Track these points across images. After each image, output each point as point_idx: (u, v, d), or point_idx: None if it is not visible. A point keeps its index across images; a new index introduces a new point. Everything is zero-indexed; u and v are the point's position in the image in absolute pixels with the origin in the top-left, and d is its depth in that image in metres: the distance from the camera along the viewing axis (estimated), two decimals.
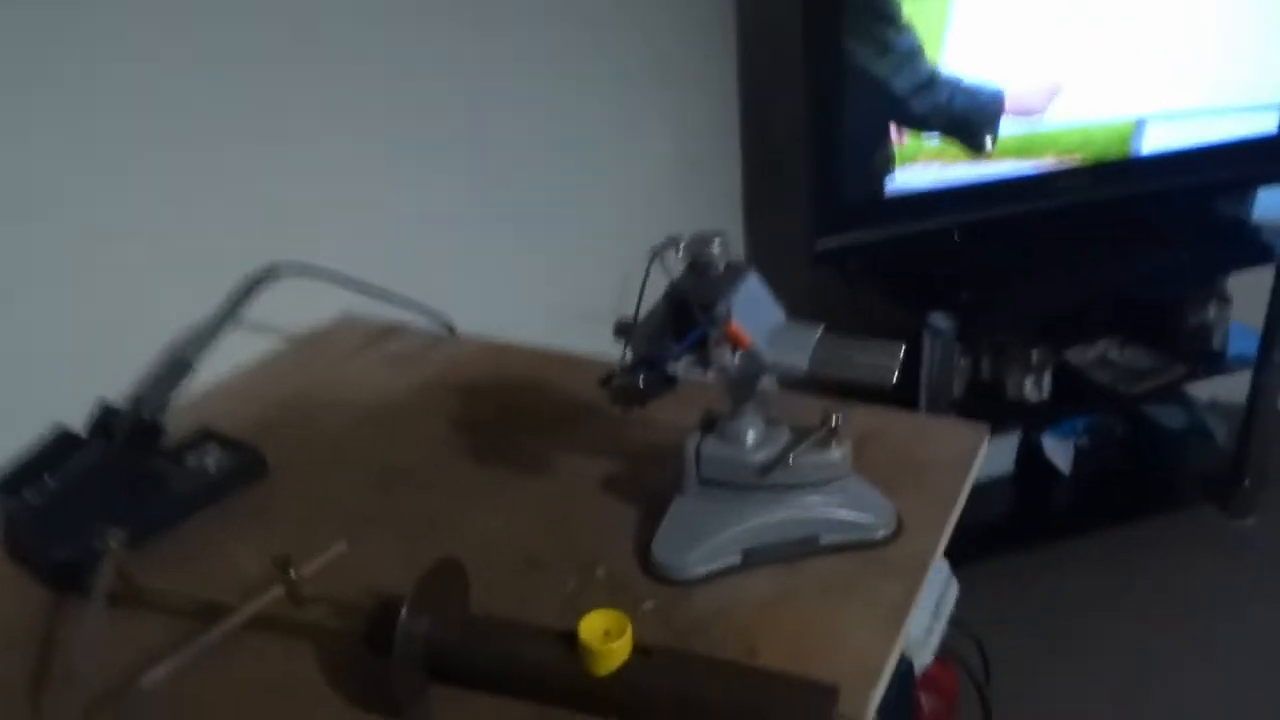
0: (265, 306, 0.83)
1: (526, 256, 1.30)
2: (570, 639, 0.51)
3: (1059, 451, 1.95)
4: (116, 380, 0.76)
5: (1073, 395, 1.81)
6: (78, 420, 0.70)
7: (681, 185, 1.64)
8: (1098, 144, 1.61)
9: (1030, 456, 1.96)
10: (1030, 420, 1.90)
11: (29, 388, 0.74)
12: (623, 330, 0.62)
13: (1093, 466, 1.97)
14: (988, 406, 1.75)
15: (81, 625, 0.57)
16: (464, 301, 1.00)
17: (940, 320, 1.58)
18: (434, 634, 0.53)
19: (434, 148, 1.14)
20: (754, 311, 0.61)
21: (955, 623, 1.63)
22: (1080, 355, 1.88)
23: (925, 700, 1.49)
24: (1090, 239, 1.72)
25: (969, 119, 1.51)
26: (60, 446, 0.68)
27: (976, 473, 0.72)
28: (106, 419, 0.69)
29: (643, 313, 0.62)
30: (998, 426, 1.75)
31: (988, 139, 1.53)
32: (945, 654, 1.57)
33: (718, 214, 1.78)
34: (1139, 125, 1.62)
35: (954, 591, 1.63)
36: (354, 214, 1.04)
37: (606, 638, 0.51)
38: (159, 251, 0.85)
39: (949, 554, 1.70)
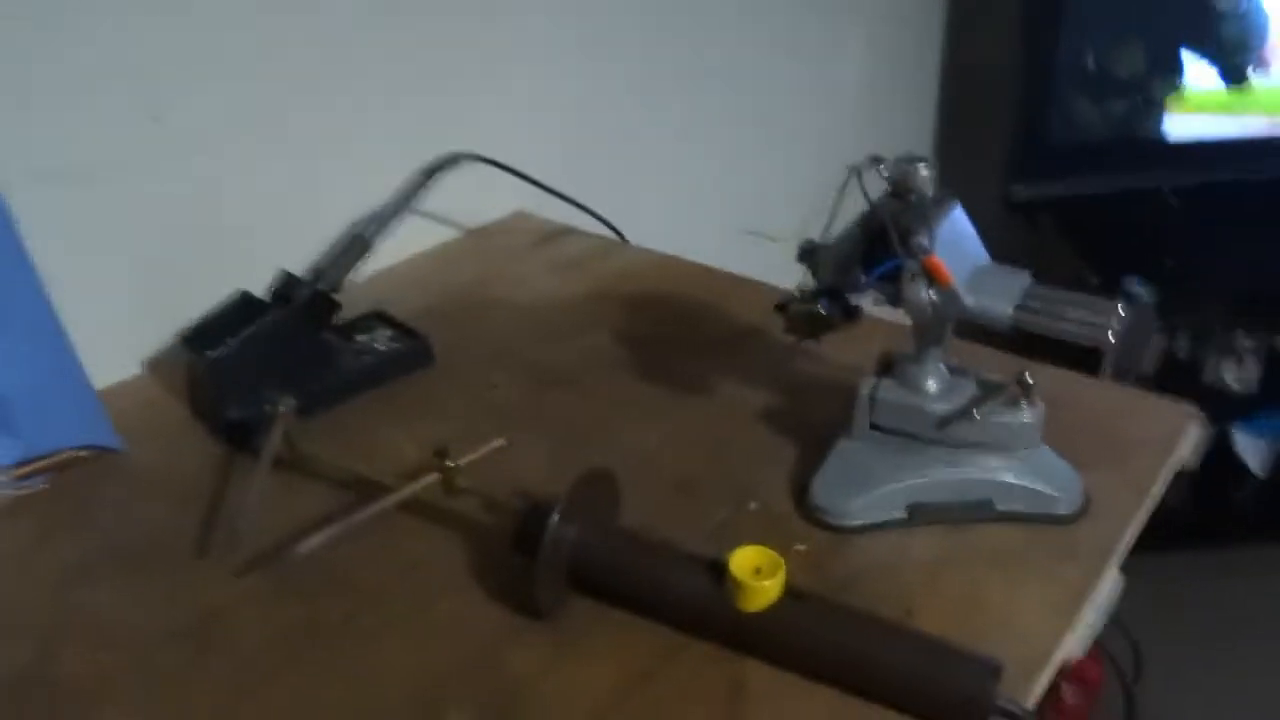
0: (443, 198, 0.83)
1: (705, 172, 1.26)
2: (719, 570, 0.49)
3: (1253, 448, 1.78)
4: (300, 256, 0.77)
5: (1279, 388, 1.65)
6: (261, 290, 0.72)
7: (868, 114, 1.55)
8: None
9: (1220, 450, 1.80)
10: (1226, 410, 1.74)
11: (220, 255, 0.77)
12: (808, 254, 0.58)
13: None
14: (1181, 389, 1.61)
15: (247, 487, 0.59)
16: (639, 212, 0.98)
17: (1137, 286, 1.45)
18: (581, 543, 0.52)
19: (621, 57, 1.11)
20: (957, 249, 0.55)
21: (1112, 617, 1.53)
22: None
23: (1067, 691, 1.42)
24: None
25: (1236, 42, 1.32)
26: (242, 309, 0.70)
27: (1181, 458, 0.65)
28: (287, 288, 0.71)
29: (833, 237, 0.57)
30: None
31: (1246, 71, 1.34)
32: (1095, 648, 1.49)
33: (903, 148, 1.68)
34: None
35: (1117, 585, 1.54)
36: (535, 116, 1.03)
37: (758, 575, 0.48)
38: (347, 137, 0.86)
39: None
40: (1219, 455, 1.79)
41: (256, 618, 0.53)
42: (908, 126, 1.69)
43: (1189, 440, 0.66)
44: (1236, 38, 1.31)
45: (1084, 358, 0.73)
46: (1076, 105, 1.41)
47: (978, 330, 0.57)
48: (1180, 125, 1.39)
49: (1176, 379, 1.61)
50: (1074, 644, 1.43)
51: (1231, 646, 1.58)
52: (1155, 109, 1.38)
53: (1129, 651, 1.57)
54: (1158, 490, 0.62)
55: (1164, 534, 1.82)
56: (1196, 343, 1.65)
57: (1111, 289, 1.51)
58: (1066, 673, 1.40)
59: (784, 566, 0.48)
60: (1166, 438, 0.66)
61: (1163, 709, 1.48)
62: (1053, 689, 1.47)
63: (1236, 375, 1.61)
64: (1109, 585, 1.49)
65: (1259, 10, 1.31)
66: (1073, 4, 1.31)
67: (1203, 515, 1.77)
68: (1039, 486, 0.58)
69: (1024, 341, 0.71)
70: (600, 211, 0.96)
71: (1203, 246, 1.53)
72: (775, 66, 1.33)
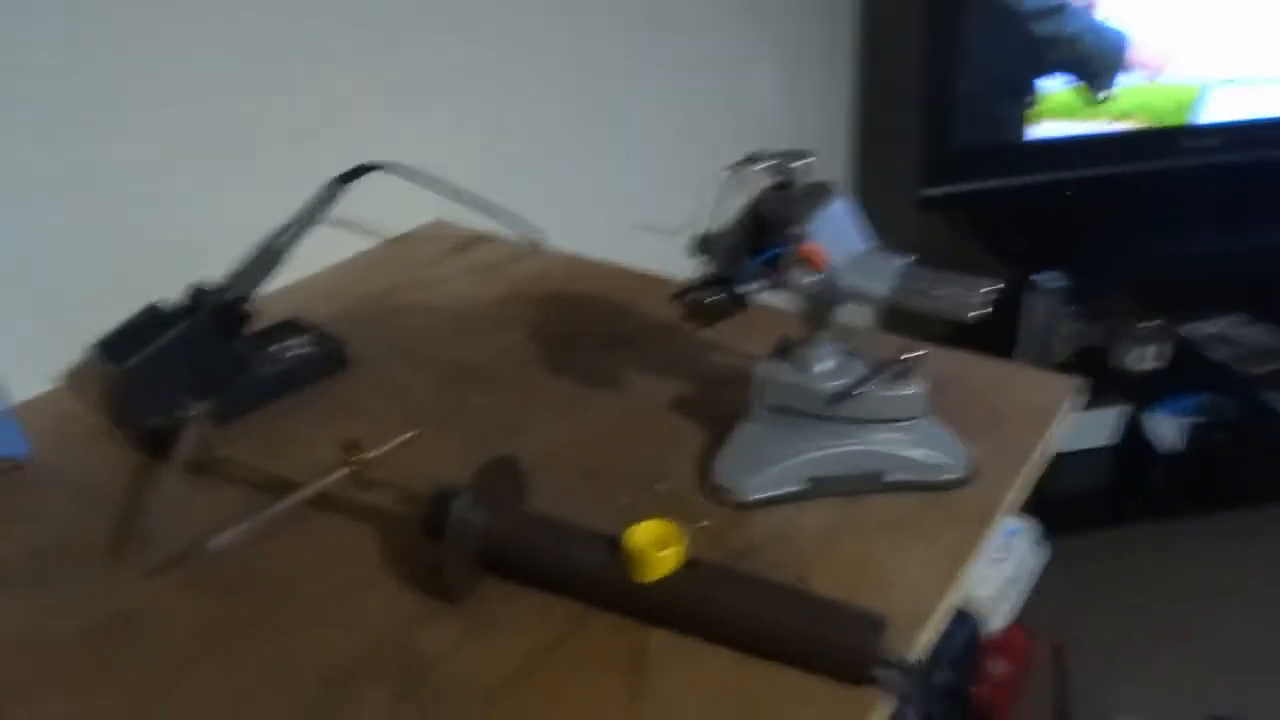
0: (358, 207, 0.85)
1: (620, 174, 1.29)
2: (618, 545, 0.51)
3: (1164, 428, 1.86)
4: (213, 270, 0.78)
5: (1185, 371, 1.72)
6: (174, 301, 0.73)
7: (785, 117, 1.59)
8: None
9: (1135, 431, 1.88)
10: (1138, 393, 1.81)
11: (131, 270, 0.78)
12: (700, 245, 0.61)
13: (1200, 447, 1.88)
14: (1093, 375, 1.68)
15: (161, 488, 0.60)
16: (552, 216, 1.00)
17: (1047, 278, 1.52)
18: (488, 526, 0.54)
19: (540, 72, 1.13)
20: (837, 236, 0.59)
21: (1038, 592, 1.59)
22: (1198, 329, 1.78)
23: (993, 663, 1.46)
24: (1220, 206, 1.62)
25: (1094, 59, 1.43)
26: (154, 320, 0.70)
27: (1060, 426, 0.69)
28: (197, 299, 0.72)
29: (723, 229, 0.60)
30: (1103, 397, 1.69)
31: (1110, 83, 1.44)
32: (1022, 622, 1.54)
33: (820, 152, 1.73)
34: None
35: (1038, 559, 1.59)
36: (452, 127, 1.05)
37: (656, 546, 0.51)
38: (261, 150, 0.87)
39: (1040, 522, 1.66)
40: (1132, 437, 1.87)
41: (169, 616, 0.54)
42: (825, 132, 1.74)
43: (1068, 409, 0.70)
44: (1096, 57, 1.41)
45: (998, 345, 0.77)
46: (981, 107, 1.47)
47: (911, 324, 0.61)
48: (1061, 127, 1.47)
49: (1089, 365, 1.68)
50: (996, 617, 1.47)
51: (1157, 616, 1.65)
52: (1038, 115, 1.46)
53: (1058, 626, 1.62)
54: (1037, 455, 0.66)
55: (1090, 512, 1.89)
56: (1106, 331, 1.72)
57: (1025, 281, 1.57)
58: (991, 645, 1.45)
59: (681, 538, 0.51)
60: (1047, 407, 0.70)
61: (1093, 683, 1.54)
62: (979, 660, 1.51)
63: (1143, 360, 1.68)
64: (1021, 556, 1.53)
65: (1112, 33, 1.41)
66: (964, 26, 1.38)
67: (1124, 494, 1.85)
68: (925, 456, 0.62)
69: (951, 333, 0.75)
70: (518, 215, 0.98)
71: (1103, 238, 1.60)
72: (688, 78, 1.37)
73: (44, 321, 0.75)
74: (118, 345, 0.70)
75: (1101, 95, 1.45)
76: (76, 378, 0.77)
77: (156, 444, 0.66)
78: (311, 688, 0.50)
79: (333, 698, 0.49)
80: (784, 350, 0.64)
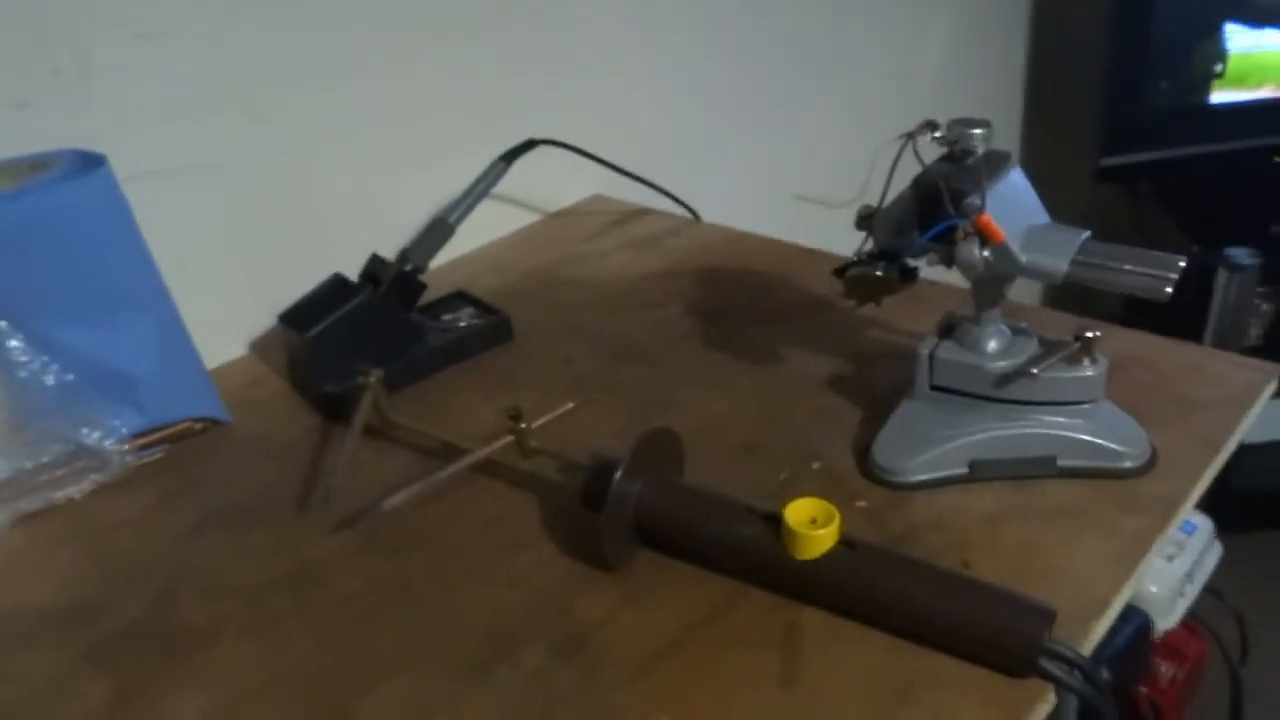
0: (522, 184, 0.87)
1: (780, 152, 1.27)
2: (776, 521, 0.51)
3: None
4: (388, 242, 0.82)
5: None
6: (353, 274, 0.77)
7: (954, 85, 1.53)
8: None
9: None
10: None
11: (314, 243, 0.83)
12: (865, 219, 0.60)
13: None
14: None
15: (341, 450, 0.64)
16: (712, 190, 1.00)
17: (1241, 255, 1.40)
18: (645, 498, 0.55)
19: (698, 42, 1.13)
20: (1013, 208, 0.56)
21: (1214, 592, 1.48)
22: None
23: (1164, 665, 1.38)
24: None
25: None
26: (335, 291, 0.75)
27: (1255, 416, 0.64)
28: (375, 270, 0.75)
29: (889, 202, 0.59)
30: None
31: None
32: (1196, 623, 1.44)
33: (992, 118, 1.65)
34: None
35: (1215, 557, 1.48)
36: (611, 101, 1.06)
37: (812, 525, 0.50)
38: (430, 128, 0.90)
39: (1218, 518, 1.55)
40: None
41: (348, 569, 0.58)
42: (997, 95, 1.66)
43: (1264, 397, 0.65)
44: None
45: (1183, 327, 0.72)
46: (1170, 70, 1.37)
47: (1081, 304, 0.58)
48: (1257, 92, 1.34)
49: None
50: (1169, 616, 1.39)
51: None
52: (1233, 78, 1.34)
53: (1236, 630, 1.52)
54: (1230, 447, 0.61)
55: (1272, 510, 1.75)
56: None
57: (1217, 258, 1.46)
58: (1162, 646, 1.37)
59: (838, 517, 0.50)
60: (1241, 395, 0.65)
61: (1271, 690, 1.43)
62: (1149, 660, 1.42)
63: None
64: (1198, 553, 1.44)
65: None
66: None
67: None
68: (1102, 441, 0.58)
69: (1128, 314, 0.71)
70: (674, 192, 0.98)
71: None
72: (854, 45, 1.34)
73: (236, 290, 0.81)
74: (301, 314, 0.74)
75: None
76: (263, 345, 0.82)
77: (335, 408, 0.71)
78: (475, 642, 0.52)
79: (495, 653, 0.51)
80: (950, 327, 0.62)
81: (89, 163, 0.65)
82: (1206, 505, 1.50)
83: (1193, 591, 1.36)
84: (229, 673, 0.52)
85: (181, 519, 0.64)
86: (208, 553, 0.61)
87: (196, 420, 0.71)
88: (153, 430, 0.69)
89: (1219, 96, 1.37)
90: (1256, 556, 1.55)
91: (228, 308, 0.80)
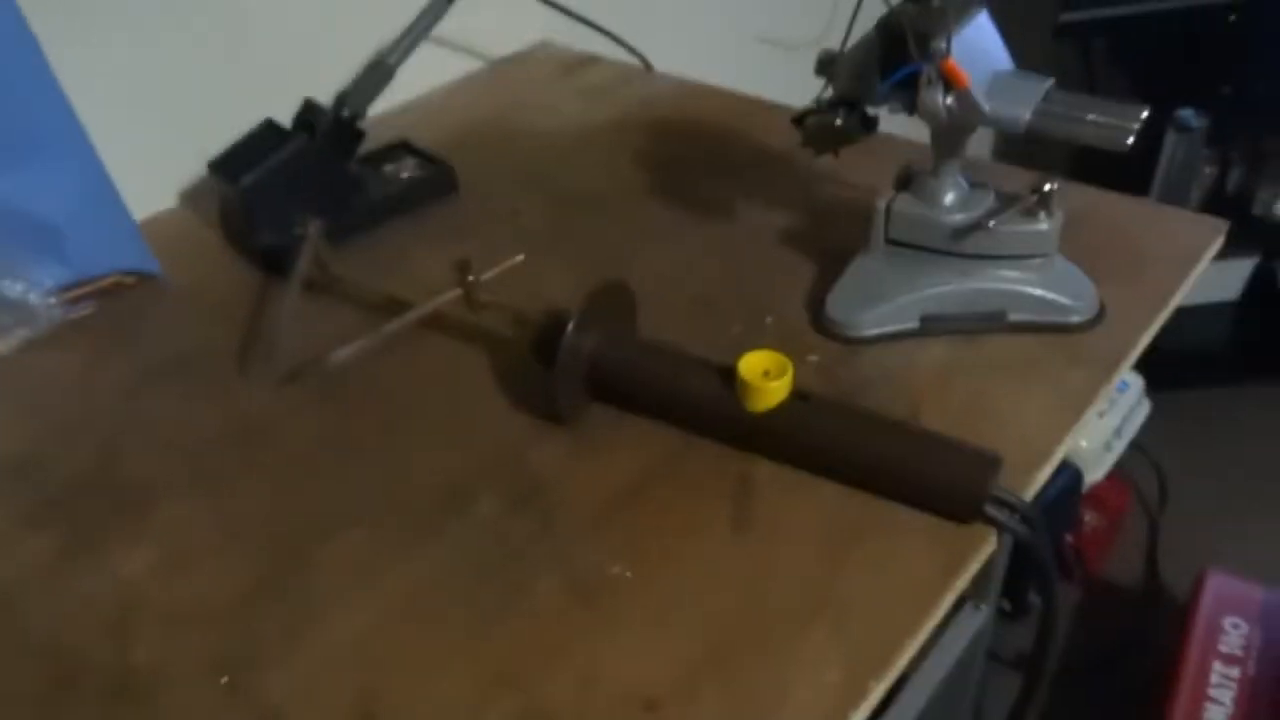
0: (466, 28, 0.82)
1: None
2: (730, 374, 0.51)
3: None
4: (324, 85, 0.77)
5: None
6: (287, 119, 0.73)
7: None
8: None
9: (1264, 285, 1.77)
10: (1273, 244, 1.70)
11: (245, 86, 0.77)
12: (825, 64, 0.58)
13: None
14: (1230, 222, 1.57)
15: (281, 304, 0.62)
16: (664, 33, 0.96)
17: (1189, 116, 1.40)
18: (597, 351, 0.54)
19: None
20: (979, 55, 0.54)
21: (1138, 446, 1.55)
22: None
23: (1089, 515, 1.45)
24: None
25: None
26: (268, 137, 0.71)
27: (1200, 271, 0.65)
28: (310, 116, 0.71)
29: (851, 46, 0.56)
30: (1234, 247, 1.59)
31: None
32: (1120, 475, 1.51)
33: None
34: None
35: (1143, 413, 1.54)
36: None
37: (765, 377, 0.50)
38: None
39: (1146, 375, 1.60)
40: (1264, 291, 1.76)
41: (296, 425, 0.57)
42: None
43: (1210, 255, 0.66)
44: None
45: (1130, 185, 0.72)
46: None
47: (1033, 157, 0.57)
48: None
49: (1225, 211, 1.57)
50: (1097, 469, 1.45)
51: (1261, 484, 1.60)
52: None
53: (1155, 482, 1.60)
54: (1174, 301, 0.62)
55: (1201, 369, 1.81)
56: (1249, 174, 1.60)
57: (1165, 119, 1.46)
58: (1088, 497, 1.43)
59: (791, 369, 0.50)
60: (1189, 251, 0.65)
61: (1186, 541, 1.52)
62: (1076, 510, 1.50)
63: None
64: (1127, 409, 1.49)
65: None
66: None
67: (1240, 350, 1.76)
68: (1052, 296, 0.59)
69: (1076, 169, 0.70)
70: (625, 38, 0.94)
71: (1262, 70, 1.46)
72: None
73: (160, 138, 0.76)
74: (233, 163, 0.70)
75: None
76: (193, 196, 0.78)
77: (273, 261, 0.68)
78: (429, 495, 0.52)
79: (450, 506, 0.51)
80: (907, 180, 0.61)
81: None
82: (1138, 364, 1.55)
83: (1120, 446, 1.42)
84: (179, 527, 0.51)
85: (118, 375, 0.62)
86: (148, 409, 0.59)
87: (126, 273, 0.68)
88: (80, 284, 0.66)
89: None
90: (1179, 413, 1.61)
91: (154, 155, 0.76)
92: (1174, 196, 1.47)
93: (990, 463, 0.48)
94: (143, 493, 0.53)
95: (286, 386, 0.59)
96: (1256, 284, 1.76)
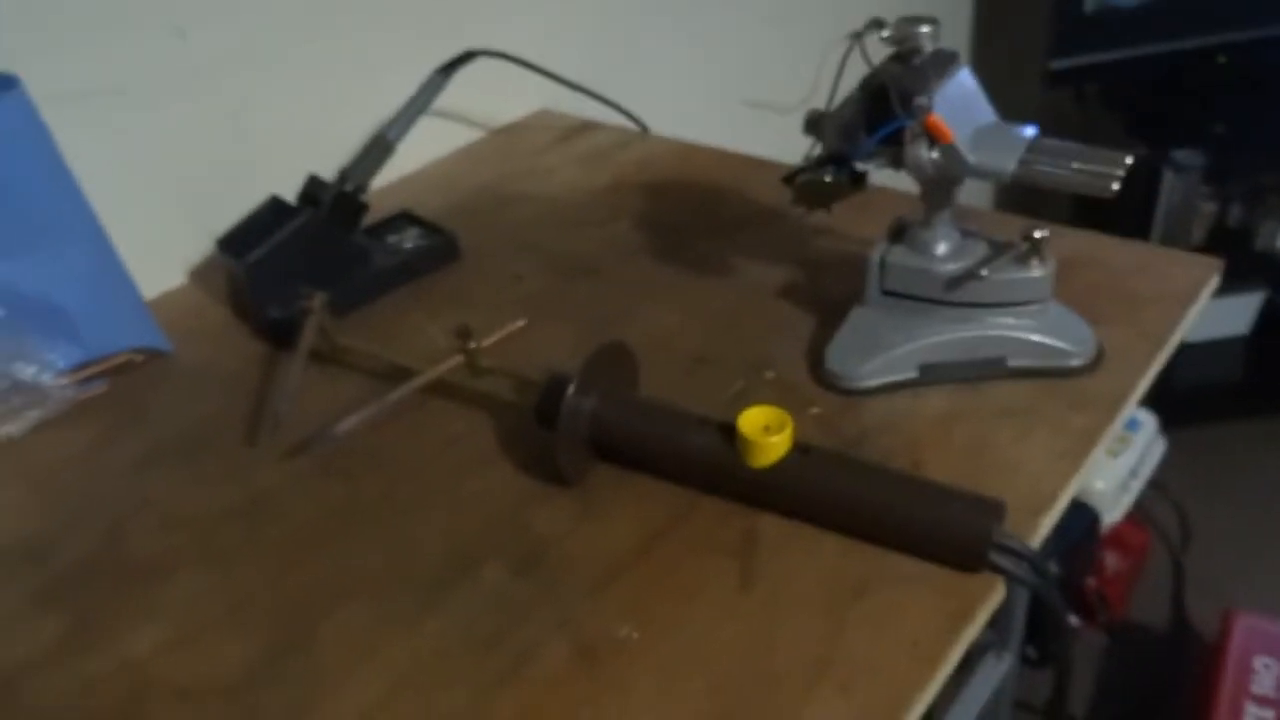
0: (464, 99, 0.84)
1: (723, 60, 1.25)
2: (731, 430, 0.51)
3: None
4: (328, 163, 0.80)
5: None
6: (291, 196, 0.75)
7: None
8: None
9: (1273, 319, 1.76)
10: (1278, 277, 1.70)
11: (250, 165, 0.79)
12: (813, 123, 0.59)
13: None
14: (1231, 258, 1.58)
15: (287, 375, 0.62)
16: (659, 101, 0.98)
17: (1185, 155, 1.41)
18: (599, 411, 0.54)
19: None
20: (962, 109, 0.55)
21: (1157, 486, 1.53)
22: None
23: (1110, 557, 1.43)
24: None
25: None
26: (273, 214, 0.72)
27: (1199, 311, 0.65)
28: (315, 191, 0.73)
29: (837, 105, 0.57)
30: (1240, 281, 1.59)
31: None
32: (1140, 516, 1.50)
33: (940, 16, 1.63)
34: None
35: (1159, 451, 1.53)
36: (551, 11, 1.02)
37: (766, 432, 0.50)
38: (366, 43, 0.87)
39: (1161, 415, 1.59)
40: (1274, 324, 1.75)
41: (302, 496, 0.57)
42: (941, 7, 1.63)
43: (1207, 292, 0.66)
44: None
45: (1129, 228, 0.73)
46: None
47: (1031, 205, 0.58)
48: None
49: (1228, 247, 1.58)
50: (1115, 510, 1.44)
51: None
52: None
53: (1177, 521, 1.58)
54: (1174, 341, 0.62)
55: (1215, 405, 1.80)
56: (1250, 209, 1.61)
57: (1162, 159, 1.47)
58: (1108, 538, 1.42)
59: (790, 423, 0.50)
60: (1186, 290, 0.66)
61: (1211, 579, 1.49)
62: (1095, 553, 1.48)
63: None
64: (1142, 449, 1.49)
65: None
66: None
67: (1254, 385, 1.75)
68: (1050, 341, 0.59)
69: (1075, 215, 0.71)
70: (622, 103, 0.96)
71: (1255, 108, 1.47)
72: None
73: (168, 218, 0.78)
74: (239, 240, 0.72)
75: None
76: (202, 273, 0.80)
77: (280, 334, 0.69)
78: (434, 563, 0.52)
79: (455, 572, 0.51)
80: (900, 232, 0.62)
81: (1, 84, 0.61)
82: (1151, 402, 1.54)
83: (1137, 486, 1.41)
84: (187, 603, 0.51)
85: (127, 452, 0.62)
86: (157, 485, 0.60)
87: (136, 351, 0.69)
88: (91, 363, 0.67)
89: None
90: (1197, 449, 1.60)
91: (163, 235, 0.78)
92: (1175, 236, 1.48)
93: (993, 509, 0.48)
94: (151, 570, 0.53)
95: (293, 458, 0.59)
96: (1266, 318, 1.76)
